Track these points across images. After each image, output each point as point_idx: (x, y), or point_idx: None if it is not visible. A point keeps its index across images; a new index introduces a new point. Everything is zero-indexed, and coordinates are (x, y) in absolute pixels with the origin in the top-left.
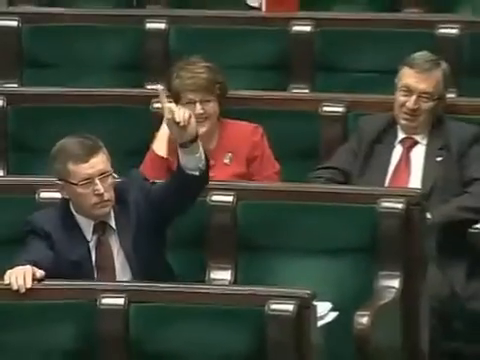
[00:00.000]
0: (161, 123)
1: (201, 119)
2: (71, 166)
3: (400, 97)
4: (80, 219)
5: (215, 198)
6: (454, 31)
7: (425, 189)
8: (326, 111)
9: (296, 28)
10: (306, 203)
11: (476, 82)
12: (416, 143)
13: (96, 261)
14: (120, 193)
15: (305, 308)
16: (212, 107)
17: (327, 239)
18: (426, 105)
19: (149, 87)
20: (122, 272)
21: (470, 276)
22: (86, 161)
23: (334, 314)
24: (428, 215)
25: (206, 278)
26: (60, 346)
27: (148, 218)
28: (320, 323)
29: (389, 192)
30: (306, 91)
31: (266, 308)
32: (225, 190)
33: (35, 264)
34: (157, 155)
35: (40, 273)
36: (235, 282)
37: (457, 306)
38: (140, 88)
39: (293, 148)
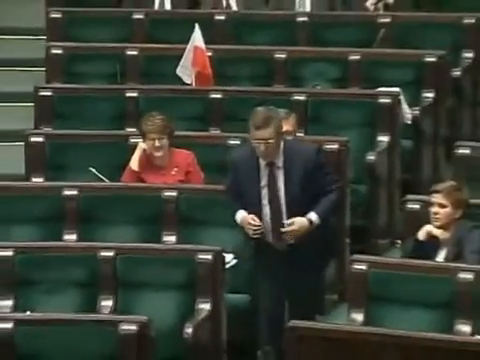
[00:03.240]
0: (134, 150)
1: (159, 148)
2: (251, 130)
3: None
4: (260, 158)
5: (166, 193)
6: (302, 98)
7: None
8: (229, 143)
9: (212, 96)
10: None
11: (315, 128)
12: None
13: (268, 184)
14: (296, 149)
15: (218, 257)
16: (165, 142)
17: None
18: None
19: (128, 129)
20: (283, 195)
21: None
22: (255, 130)
23: (235, 261)
24: None
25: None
26: (75, 280)
27: (307, 179)
28: (227, 266)
29: None
30: (218, 132)
31: (195, 257)
32: (172, 189)
33: (233, 187)
34: (132, 169)
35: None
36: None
37: None
38: (122, 130)
39: (212, 165)
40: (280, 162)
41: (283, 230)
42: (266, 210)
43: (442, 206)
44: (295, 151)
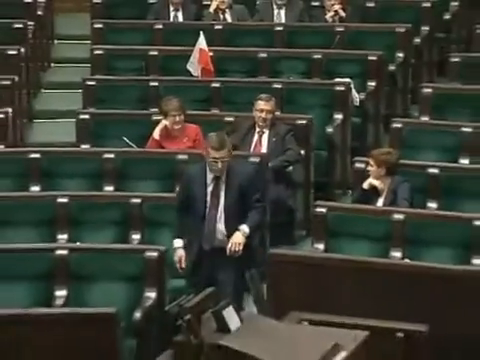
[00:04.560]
0: (156, 125)
1: (178, 123)
2: (209, 149)
3: None
4: (208, 171)
5: (179, 156)
6: (279, 86)
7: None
8: (226, 120)
9: (213, 85)
10: None
11: (288, 108)
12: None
13: (210, 197)
14: (237, 168)
15: None
16: (181, 118)
17: None
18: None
19: (151, 110)
20: (222, 206)
21: None
22: (215, 151)
23: None
24: None
25: None
26: (112, 220)
27: (242, 193)
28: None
29: None
30: (217, 111)
31: None
32: (184, 153)
33: (184, 198)
34: (154, 138)
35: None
36: None
37: None
38: (146, 111)
39: None
40: (224, 177)
41: (228, 252)
42: (207, 215)
43: (371, 165)
44: (237, 169)
